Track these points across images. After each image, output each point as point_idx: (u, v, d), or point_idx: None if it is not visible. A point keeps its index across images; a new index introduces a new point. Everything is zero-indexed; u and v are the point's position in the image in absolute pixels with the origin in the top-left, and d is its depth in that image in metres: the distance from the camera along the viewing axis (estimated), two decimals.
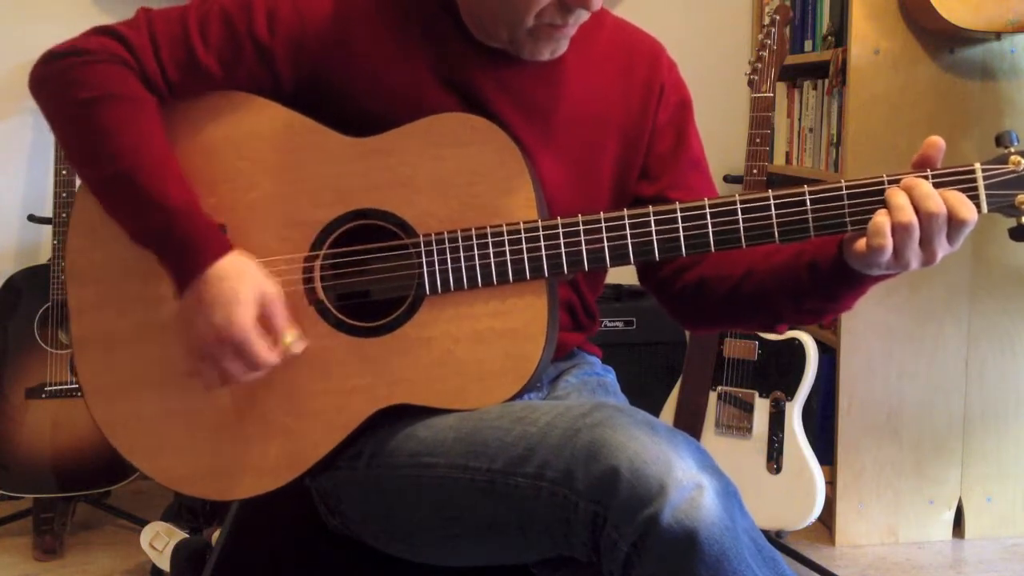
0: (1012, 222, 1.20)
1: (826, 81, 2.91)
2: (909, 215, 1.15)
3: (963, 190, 1.18)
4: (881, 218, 1.17)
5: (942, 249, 1.18)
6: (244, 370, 1.24)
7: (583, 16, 1.28)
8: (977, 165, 1.19)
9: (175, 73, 1.31)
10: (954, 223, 1.17)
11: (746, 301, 1.36)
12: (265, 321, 1.25)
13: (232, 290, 1.23)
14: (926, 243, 1.17)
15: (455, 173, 1.28)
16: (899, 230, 1.16)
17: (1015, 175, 1.18)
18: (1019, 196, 1.18)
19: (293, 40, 1.32)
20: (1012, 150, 1.19)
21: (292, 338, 1.26)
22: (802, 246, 1.28)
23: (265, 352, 1.24)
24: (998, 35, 2.66)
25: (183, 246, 1.25)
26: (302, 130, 1.31)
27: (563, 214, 1.30)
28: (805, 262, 1.29)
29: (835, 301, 1.30)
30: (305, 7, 1.33)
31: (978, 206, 1.18)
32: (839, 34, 2.87)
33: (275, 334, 1.25)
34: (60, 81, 1.29)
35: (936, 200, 1.16)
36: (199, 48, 1.30)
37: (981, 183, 1.18)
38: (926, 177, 1.18)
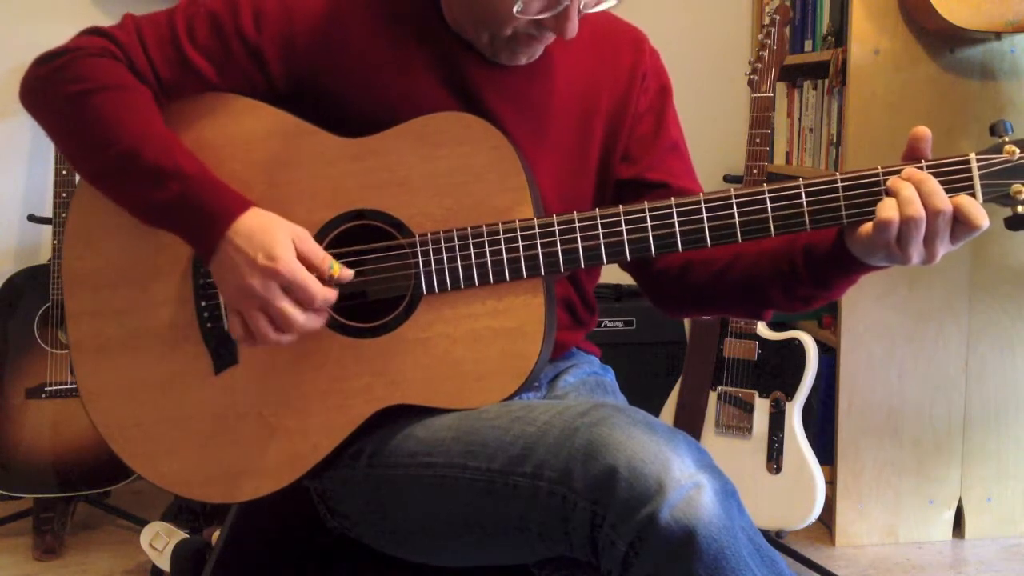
0: (1007, 211, 1.20)
1: (826, 81, 2.91)
2: (918, 208, 1.15)
3: (958, 180, 1.18)
4: (890, 199, 1.16)
5: (944, 247, 1.18)
6: (296, 311, 1.23)
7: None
8: (972, 155, 1.18)
9: (166, 71, 1.31)
10: (964, 227, 1.16)
11: (733, 286, 1.36)
12: (303, 260, 1.23)
13: (266, 233, 1.22)
14: (930, 240, 1.17)
15: (450, 172, 1.28)
16: (907, 223, 1.15)
17: (1010, 164, 1.18)
18: (1014, 185, 1.18)
19: (282, 38, 1.32)
20: (1006, 139, 1.19)
21: (338, 266, 1.25)
22: None
23: (316, 285, 1.22)
24: (998, 35, 2.66)
25: (204, 208, 1.24)
26: (296, 131, 1.31)
27: (552, 202, 1.29)
28: (800, 247, 1.29)
29: (827, 288, 1.30)
30: (294, 5, 1.33)
31: (973, 196, 1.17)
32: (839, 34, 2.87)
33: (318, 269, 1.24)
34: (52, 80, 1.29)
35: (942, 197, 1.16)
36: (187, 47, 1.31)
37: (976, 173, 1.18)
38: (921, 168, 1.18)
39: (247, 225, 1.23)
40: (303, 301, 1.23)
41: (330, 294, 1.24)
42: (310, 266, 1.23)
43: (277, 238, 1.22)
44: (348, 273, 1.26)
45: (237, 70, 1.32)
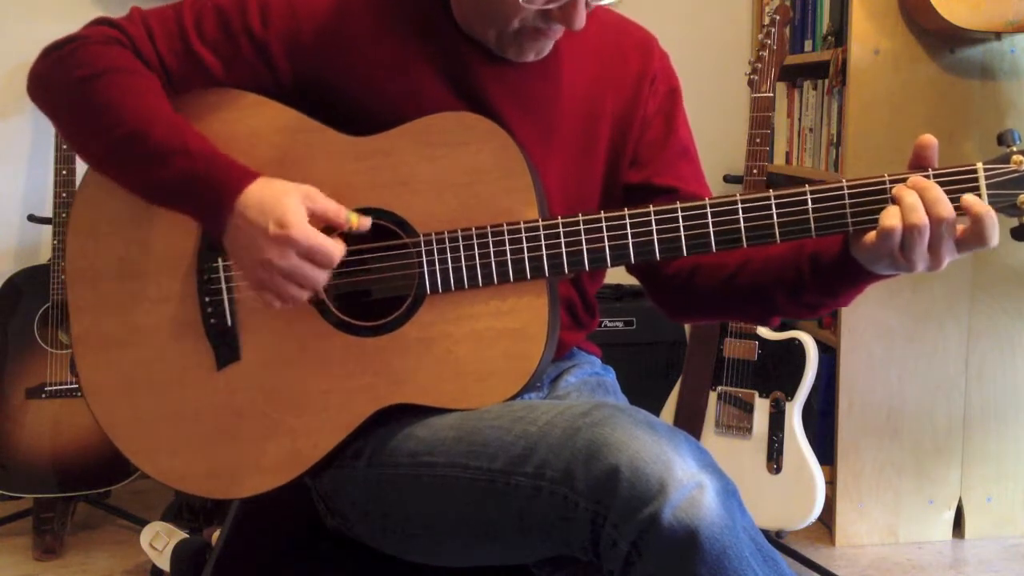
0: (1014, 221, 1.20)
1: (826, 81, 2.91)
2: (921, 216, 1.15)
3: (965, 189, 1.17)
4: (893, 208, 1.16)
5: (949, 255, 1.18)
6: (317, 270, 1.22)
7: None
8: (979, 165, 1.18)
9: (173, 64, 1.31)
10: (975, 238, 1.16)
11: (741, 292, 1.36)
12: (317, 219, 1.23)
13: (276, 200, 1.22)
14: (934, 247, 1.17)
15: (455, 172, 1.28)
16: (910, 230, 1.15)
17: (1018, 174, 1.18)
18: (1021, 196, 1.18)
19: (288, 34, 1.32)
20: (1014, 149, 1.19)
21: (355, 217, 1.25)
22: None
23: (331, 244, 1.22)
24: (998, 35, 2.66)
25: (212, 182, 1.23)
26: (302, 128, 1.31)
27: (557, 204, 1.29)
28: (807, 254, 1.29)
29: (834, 296, 1.30)
30: (299, 3, 1.33)
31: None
32: (839, 34, 2.88)
33: (335, 222, 1.24)
34: (59, 67, 1.30)
35: (946, 205, 1.15)
36: (195, 41, 1.31)
37: (983, 183, 1.18)
38: (928, 176, 1.18)
39: (256, 196, 1.23)
40: (321, 262, 1.23)
41: (342, 250, 1.24)
42: (327, 221, 1.23)
43: (287, 204, 1.22)
44: (366, 222, 1.26)
45: (244, 66, 1.32)
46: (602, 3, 1.27)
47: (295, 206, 1.22)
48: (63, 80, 1.29)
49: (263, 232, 1.21)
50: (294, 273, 1.22)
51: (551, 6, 1.24)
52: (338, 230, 1.24)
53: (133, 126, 1.25)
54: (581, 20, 1.24)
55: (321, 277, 1.23)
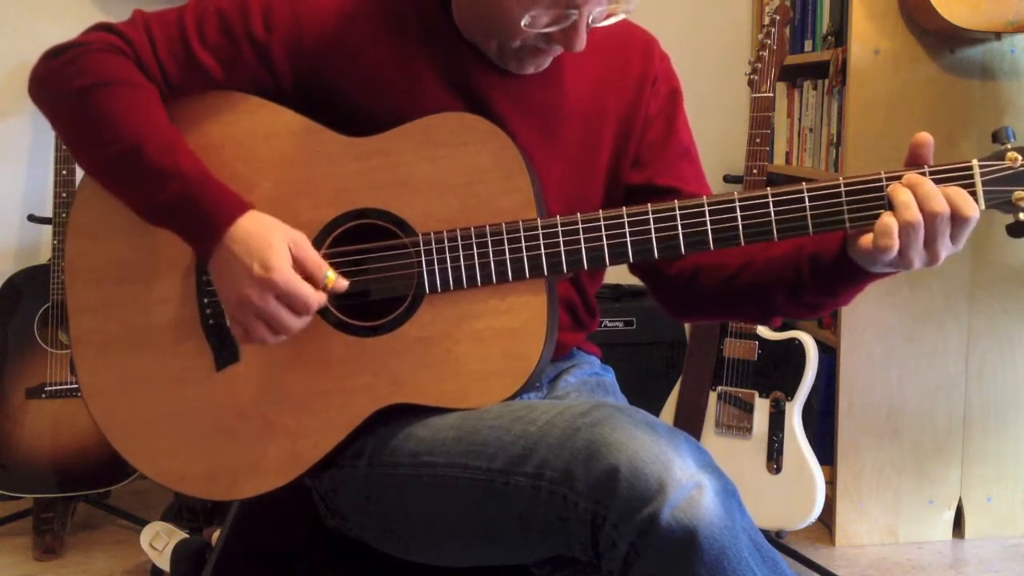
0: (1009, 218, 1.20)
1: (826, 81, 2.91)
2: (915, 213, 1.15)
3: (961, 187, 1.18)
4: (888, 219, 1.17)
5: (945, 249, 1.18)
6: (292, 316, 1.23)
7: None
8: (974, 162, 1.19)
9: (173, 69, 1.31)
10: (957, 220, 1.16)
11: (742, 292, 1.37)
12: (299, 267, 1.24)
13: (262, 239, 1.22)
14: (930, 242, 1.17)
15: (454, 173, 1.28)
16: (904, 228, 1.16)
17: (1012, 171, 1.18)
18: (1016, 192, 1.18)
19: (290, 38, 1.32)
20: (1009, 146, 1.19)
21: (333, 275, 1.25)
22: (802, 239, 1.29)
23: (310, 292, 1.23)
24: (998, 35, 2.66)
25: (202, 209, 1.24)
26: (301, 130, 1.31)
27: (558, 207, 1.30)
28: (806, 255, 1.29)
29: (834, 296, 1.30)
30: (302, 7, 1.33)
31: (976, 203, 1.18)
32: (839, 34, 2.88)
33: (313, 277, 1.24)
34: (60, 74, 1.30)
35: (940, 200, 1.16)
36: (196, 46, 1.31)
37: (979, 180, 1.18)
38: (923, 174, 1.18)
39: (244, 230, 1.23)
40: (298, 309, 1.23)
41: (322, 299, 1.24)
42: (305, 273, 1.24)
43: (273, 245, 1.22)
44: (343, 284, 1.26)
45: (245, 70, 1.32)
46: (603, 24, 1.27)
47: (281, 249, 1.22)
48: (62, 87, 1.29)
49: (246, 271, 1.21)
50: (266, 314, 1.22)
51: (552, 29, 1.24)
52: (315, 285, 1.24)
53: (127, 144, 1.25)
54: (582, 42, 1.25)
55: (295, 323, 1.23)
